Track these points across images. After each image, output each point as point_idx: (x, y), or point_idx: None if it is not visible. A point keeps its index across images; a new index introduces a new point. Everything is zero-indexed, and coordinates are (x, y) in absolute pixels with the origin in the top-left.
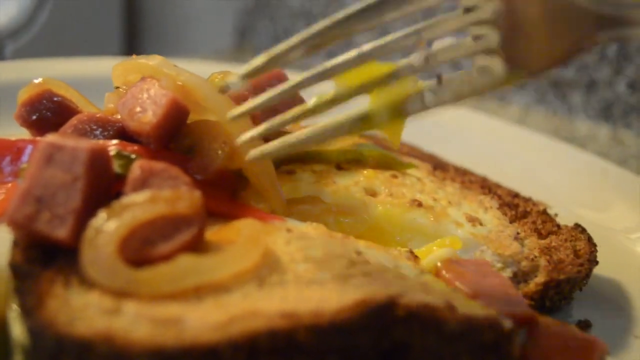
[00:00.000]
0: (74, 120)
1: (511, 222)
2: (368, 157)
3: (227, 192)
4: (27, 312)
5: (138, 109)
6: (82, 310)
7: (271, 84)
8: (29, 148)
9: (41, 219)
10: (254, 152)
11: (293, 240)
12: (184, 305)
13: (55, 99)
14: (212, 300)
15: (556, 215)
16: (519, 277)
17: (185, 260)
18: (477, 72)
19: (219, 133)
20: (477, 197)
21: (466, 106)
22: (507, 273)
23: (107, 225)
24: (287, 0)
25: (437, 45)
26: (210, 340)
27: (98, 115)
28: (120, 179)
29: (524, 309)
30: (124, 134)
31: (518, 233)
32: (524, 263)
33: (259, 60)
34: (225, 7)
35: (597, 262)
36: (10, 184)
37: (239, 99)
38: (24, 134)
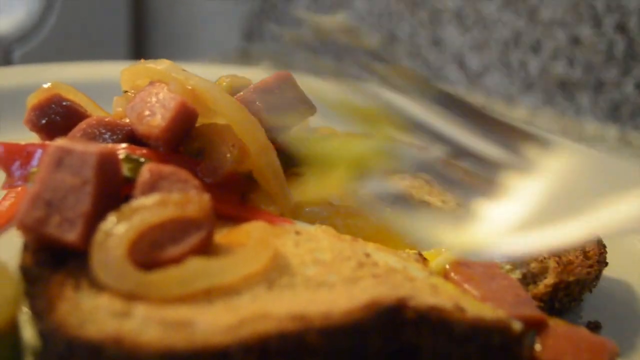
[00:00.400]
0: (82, 125)
1: None
2: None
3: (237, 195)
4: (38, 315)
5: (147, 112)
6: (92, 313)
7: (278, 86)
8: (39, 152)
9: (51, 222)
10: None
11: (302, 243)
12: (193, 308)
13: (64, 103)
14: (221, 303)
15: None
16: (528, 279)
17: (195, 264)
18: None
19: (228, 136)
20: None
21: None
22: (516, 275)
23: (117, 229)
24: (294, 3)
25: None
26: (221, 343)
27: (107, 120)
28: (130, 182)
29: (533, 311)
30: (132, 138)
31: None
32: (533, 264)
33: None
34: (232, 11)
35: (606, 264)
36: (20, 188)
37: (247, 102)
38: (33, 138)
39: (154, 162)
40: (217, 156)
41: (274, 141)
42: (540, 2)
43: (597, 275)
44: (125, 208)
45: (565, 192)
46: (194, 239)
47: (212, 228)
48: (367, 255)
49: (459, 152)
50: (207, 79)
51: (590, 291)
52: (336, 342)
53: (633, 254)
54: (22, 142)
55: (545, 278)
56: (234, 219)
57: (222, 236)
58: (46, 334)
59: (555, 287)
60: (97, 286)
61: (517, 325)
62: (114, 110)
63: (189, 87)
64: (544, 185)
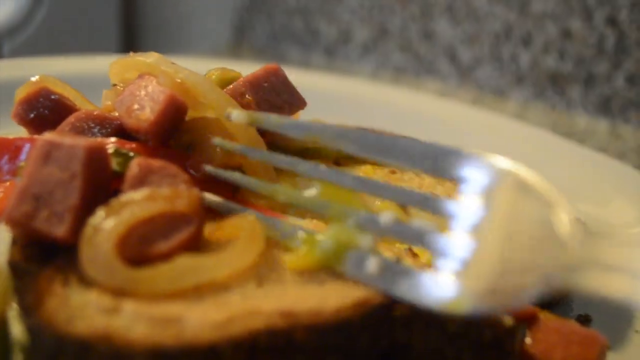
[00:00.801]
0: (71, 118)
1: None
2: None
3: (227, 189)
4: (27, 311)
5: (136, 106)
6: (81, 309)
7: (268, 80)
8: (27, 146)
9: (39, 217)
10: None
11: None
12: (183, 304)
13: (53, 97)
14: (211, 300)
15: None
16: None
17: (184, 260)
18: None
19: (218, 130)
20: None
21: (464, 102)
22: None
23: (106, 223)
24: None
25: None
26: (210, 339)
27: (95, 113)
28: (119, 176)
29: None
30: (122, 132)
31: None
32: None
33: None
34: (223, 4)
35: None
36: (8, 183)
37: (237, 96)
38: (21, 132)
39: (143, 156)
40: (207, 150)
41: (264, 135)
42: None
43: None
44: (115, 202)
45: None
46: (183, 234)
47: (202, 223)
48: None
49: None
50: (196, 72)
51: None
52: (325, 340)
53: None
54: (11, 136)
55: None
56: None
57: (211, 231)
58: (35, 330)
59: None
60: (86, 282)
61: (508, 320)
62: (103, 103)
63: (178, 80)
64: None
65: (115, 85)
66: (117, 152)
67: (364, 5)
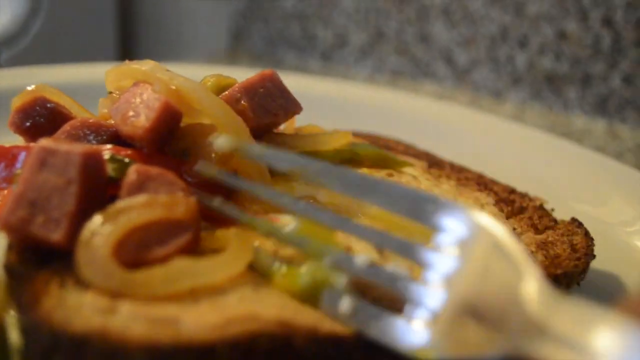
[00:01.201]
0: (67, 127)
1: (507, 218)
2: (363, 156)
3: (221, 194)
4: (23, 310)
5: (131, 113)
6: (78, 308)
7: (263, 85)
8: (23, 154)
9: (35, 222)
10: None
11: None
12: (179, 306)
13: (49, 105)
14: (208, 302)
15: (553, 210)
16: None
17: (180, 263)
18: None
19: (212, 134)
20: (473, 193)
21: (461, 104)
22: None
23: (103, 228)
24: (280, 1)
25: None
26: (207, 339)
27: (91, 121)
28: (114, 182)
29: None
30: (117, 139)
31: (514, 229)
32: None
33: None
34: (219, 10)
35: (594, 256)
36: (5, 190)
37: (232, 102)
38: (18, 141)
39: (139, 162)
40: (202, 156)
41: (259, 140)
42: None
43: (585, 268)
44: (112, 208)
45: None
46: (180, 241)
47: (198, 230)
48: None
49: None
50: (191, 79)
51: (578, 284)
52: (323, 350)
53: (620, 247)
54: (7, 145)
55: None
56: (220, 219)
57: (207, 236)
58: (30, 328)
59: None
60: (83, 284)
61: None
62: (99, 111)
63: (173, 88)
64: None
65: (111, 93)
66: (112, 159)
67: (359, 9)
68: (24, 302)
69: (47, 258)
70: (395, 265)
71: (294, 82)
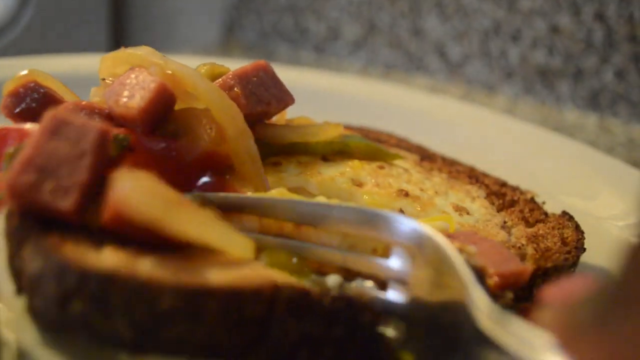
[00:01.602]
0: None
1: (498, 211)
2: (354, 148)
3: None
4: (46, 252)
5: (126, 93)
6: (99, 257)
7: (257, 74)
8: (12, 136)
9: (44, 188)
10: None
11: None
12: (201, 264)
13: (41, 90)
14: (223, 267)
15: (544, 203)
16: None
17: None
18: None
19: (205, 119)
20: (464, 186)
21: (454, 97)
22: None
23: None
24: None
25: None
26: (235, 285)
27: (83, 103)
28: (113, 162)
29: (518, 265)
30: (110, 121)
31: (505, 222)
32: (512, 251)
33: None
34: (212, 2)
35: (584, 250)
36: None
37: (226, 88)
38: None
39: (133, 141)
40: (194, 137)
41: (253, 128)
42: None
43: (575, 262)
44: None
45: None
46: None
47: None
48: None
49: None
50: (187, 65)
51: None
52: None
53: (611, 240)
54: None
55: (523, 264)
56: None
57: None
58: (52, 271)
59: (533, 274)
60: (98, 244)
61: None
62: (91, 100)
63: (169, 72)
64: None
65: (103, 79)
66: (115, 138)
67: (352, 2)
68: (48, 245)
69: (49, 223)
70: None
71: (286, 75)
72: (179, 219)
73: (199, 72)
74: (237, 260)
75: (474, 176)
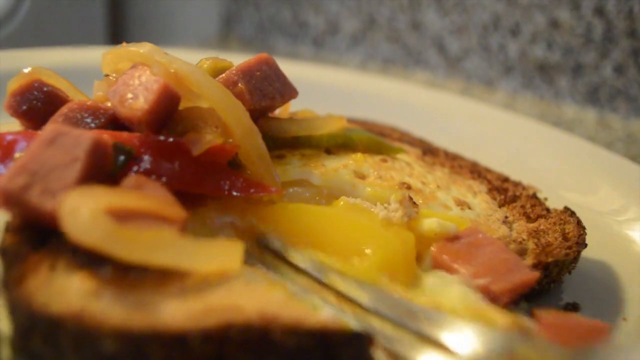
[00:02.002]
0: (64, 109)
1: (500, 206)
2: (357, 141)
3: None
4: (8, 288)
5: (129, 95)
6: (62, 291)
7: (260, 69)
8: (21, 143)
9: (33, 190)
10: None
11: None
12: (165, 294)
13: (45, 88)
14: (195, 293)
15: (546, 199)
16: None
17: (171, 235)
18: None
19: (211, 118)
20: (466, 181)
21: (453, 92)
22: None
23: (97, 192)
24: None
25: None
26: (180, 328)
27: (88, 103)
28: (115, 175)
29: (525, 274)
30: (115, 121)
31: (506, 217)
32: (512, 246)
33: None
34: None
35: (585, 245)
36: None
37: (230, 84)
38: (14, 122)
39: (138, 147)
40: (200, 138)
41: (256, 122)
42: None
43: (576, 257)
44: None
45: None
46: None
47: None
48: None
49: None
50: (190, 63)
51: (570, 272)
52: (303, 343)
53: (611, 235)
54: (2, 128)
55: (524, 260)
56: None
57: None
58: (12, 307)
59: (534, 269)
60: (72, 266)
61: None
62: (95, 94)
63: (172, 70)
64: None
65: (107, 75)
66: (117, 148)
67: None
68: (11, 280)
69: (43, 240)
70: None
71: (286, 68)
72: (126, 246)
73: (202, 67)
74: (215, 279)
75: (476, 171)
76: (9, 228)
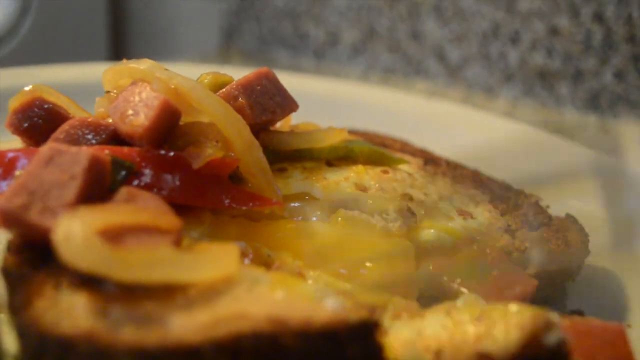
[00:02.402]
0: (65, 126)
1: (502, 214)
2: (358, 153)
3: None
4: (15, 311)
5: (130, 112)
6: (69, 310)
7: (260, 83)
8: (22, 160)
9: (32, 210)
10: None
11: None
12: (170, 307)
13: (46, 106)
14: (200, 302)
15: (548, 207)
16: None
17: (165, 251)
18: None
19: (212, 133)
20: (469, 191)
21: (454, 101)
22: None
23: (89, 213)
24: (272, 0)
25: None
26: (193, 341)
27: (89, 120)
28: (115, 190)
29: (526, 285)
30: (116, 138)
31: (509, 225)
32: (515, 254)
33: None
34: (211, 9)
35: (588, 252)
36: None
37: (230, 99)
38: (16, 140)
39: (139, 162)
40: (200, 153)
41: (257, 136)
42: None
43: (580, 265)
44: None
45: None
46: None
47: (179, 240)
48: None
49: None
50: (190, 78)
51: (573, 280)
52: (314, 346)
53: (614, 243)
54: (4, 146)
55: (527, 268)
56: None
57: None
58: (21, 329)
59: (538, 277)
60: (77, 285)
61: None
62: (96, 111)
63: (172, 86)
64: None
65: (108, 92)
66: (115, 162)
67: (351, 6)
68: (17, 303)
69: (45, 259)
70: None
71: (287, 81)
72: (122, 267)
73: (202, 82)
74: (218, 286)
75: (478, 180)
76: (10, 247)
